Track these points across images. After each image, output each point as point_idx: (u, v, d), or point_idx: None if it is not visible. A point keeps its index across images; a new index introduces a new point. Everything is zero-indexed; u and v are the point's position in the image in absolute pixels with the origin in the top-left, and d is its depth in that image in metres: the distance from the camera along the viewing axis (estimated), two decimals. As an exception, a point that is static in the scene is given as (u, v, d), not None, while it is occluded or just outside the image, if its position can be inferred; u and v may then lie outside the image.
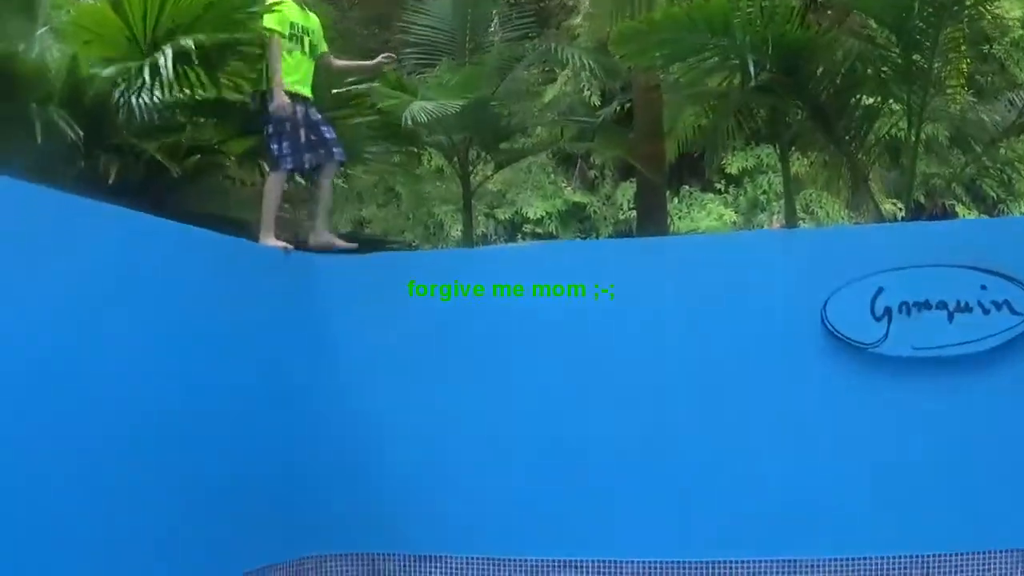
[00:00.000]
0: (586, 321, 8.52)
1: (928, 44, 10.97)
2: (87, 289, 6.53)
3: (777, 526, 8.08)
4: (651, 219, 15.28)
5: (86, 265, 6.53)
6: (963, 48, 12.34)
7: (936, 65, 11.30)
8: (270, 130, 9.22)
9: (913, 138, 11.89)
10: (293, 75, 9.28)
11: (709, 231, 21.35)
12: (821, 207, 22.18)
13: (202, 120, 10.53)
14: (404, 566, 8.68)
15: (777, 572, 8.07)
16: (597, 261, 8.98)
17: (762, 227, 21.86)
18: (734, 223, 22.41)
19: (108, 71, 9.07)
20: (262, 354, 8.24)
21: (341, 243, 9.74)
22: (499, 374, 8.65)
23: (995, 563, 7.82)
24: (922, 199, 20.29)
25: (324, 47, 9.89)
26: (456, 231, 21.90)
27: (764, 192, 22.82)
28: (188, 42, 8.95)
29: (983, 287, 7.88)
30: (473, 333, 8.73)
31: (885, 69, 11.59)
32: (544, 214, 23.20)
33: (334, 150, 9.52)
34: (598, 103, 20.69)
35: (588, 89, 21.41)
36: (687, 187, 23.30)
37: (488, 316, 8.67)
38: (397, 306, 8.79)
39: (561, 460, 8.45)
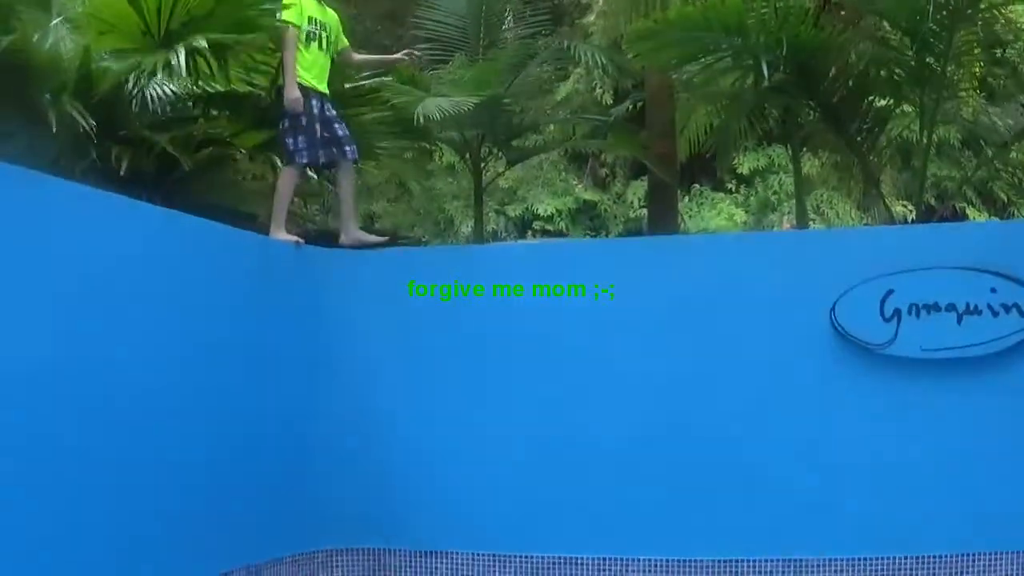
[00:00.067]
0: (593, 320, 8.51)
1: (941, 47, 10.97)
2: (93, 280, 6.50)
3: (783, 526, 8.07)
4: (662, 218, 15.30)
5: (94, 256, 6.52)
6: (976, 51, 12.35)
7: (949, 68, 11.31)
8: (286, 124, 9.18)
9: (925, 140, 11.90)
10: (310, 70, 9.24)
11: (719, 230, 21.37)
12: (832, 208, 22.22)
13: (215, 113, 10.54)
14: (409, 561, 8.68)
15: (782, 571, 8.06)
16: (604, 260, 8.96)
17: (773, 227, 21.86)
18: (744, 223, 22.43)
19: (121, 65, 9.10)
20: (270, 348, 8.24)
21: (373, 238, 9.75)
22: (505, 371, 8.64)
23: (1002, 565, 7.81)
24: (933, 201, 20.27)
25: (344, 42, 9.85)
26: (466, 227, 21.95)
27: (775, 192, 22.83)
28: (202, 42, 8.98)
29: (993, 290, 7.87)
30: (480, 329, 8.71)
31: (898, 71, 11.60)
32: (555, 211, 23.25)
33: (347, 148, 9.49)
34: (610, 101, 20.72)
35: (601, 87, 21.45)
36: (698, 186, 23.34)
37: (495, 312, 8.65)
38: (406, 301, 8.79)
39: (566, 458, 8.44)
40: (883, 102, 12.28)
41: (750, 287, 8.33)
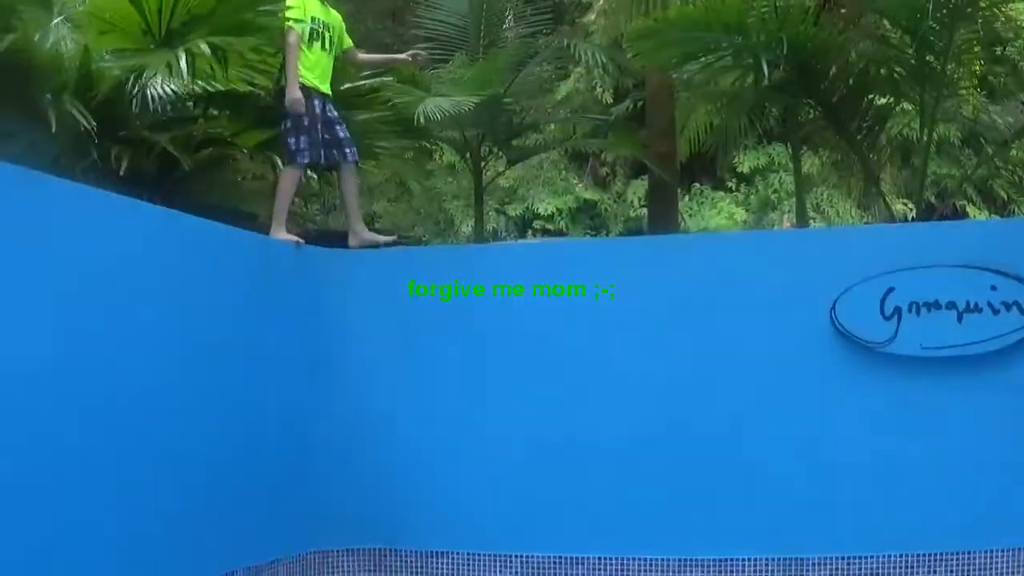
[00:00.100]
0: (594, 319, 8.51)
1: (941, 45, 10.98)
2: (94, 280, 6.49)
3: (783, 525, 8.07)
4: (662, 217, 15.30)
5: (94, 255, 6.51)
6: (976, 49, 12.35)
7: (949, 66, 11.32)
8: (287, 124, 9.15)
9: (925, 138, 11.92)
10: (312, 70, 9.21)
11: (720, 229, 21.37)
12: (832, 206, 22.22)
13: (215, 112, 10.54)
14: (410, 561, 8.68)
15: (783, 570, 8.07)
16: (604, 260, 8.95)
17: (773, 226, 21.86)
18: (745, 222, 22.44)
19: (122, 67, 9.10)
20: (271, 348, 8.24)
21: (381, 238, 9.76)
22: (505, 371, 8.64)
23: (1002, 563, 7.82)
24: (933, 199, 20.28)
25: (348, 42, 9.83)
26: (467, 227, 21.95)
27: (775, 191, 22.84)
28: (202, 46, 8.99)
29: (993, 288, 7.87)
30: (480, 330, 8.71)
31: (898, 69, 11.61)
32: (555, 211, 23.25)
33: (347, 151, 9.48)
34: (611, 100, 20.73)
35: (601, 86, 21.45)
36: (698, 185, 23.34)
37: (495, 312, 8.65)
38: (406, 301, 8.80)
39: (566, 457, 8.44)
40: (883, 100, 12.29)
41: (750, 286, 8.33)
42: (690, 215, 22.37)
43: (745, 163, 22.50)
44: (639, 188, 22.53)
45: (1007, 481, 7.86)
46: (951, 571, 7.86)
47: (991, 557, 7.83)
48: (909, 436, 7.98)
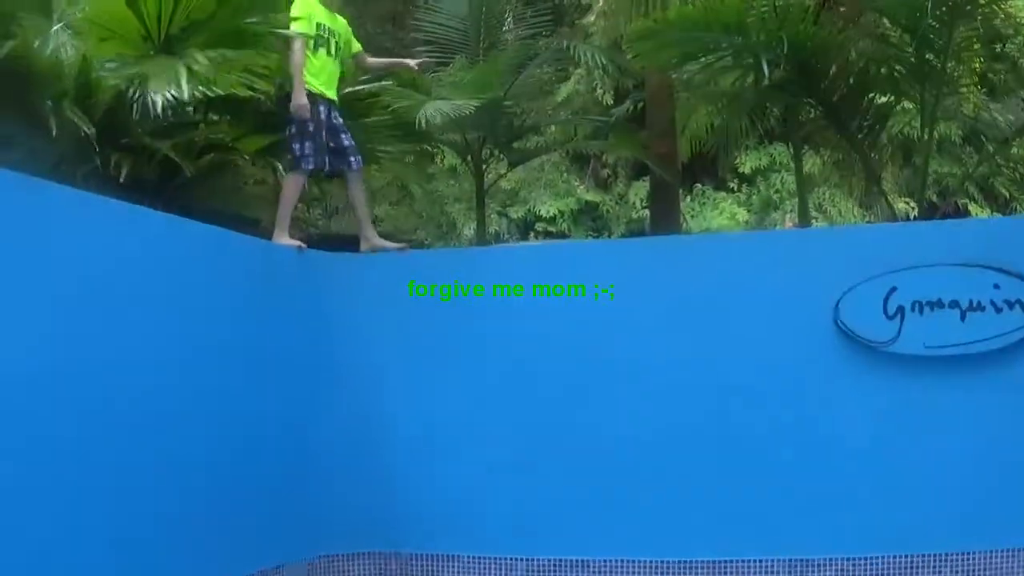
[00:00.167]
0: (596, 321, 8.51)
1: (941, 43, 10.98)
2: (96, 286, 6.49)
3: (787, 525, 8.07)
4: (664, 218, 15.30)
5: (96, 262, 6.51)
6: (976, 47, 12.35)
7: (949, 64, 11.32)
8: (292, 130, 9.15)
9: (926, 137, 11.92)
10: (318, 76, 9.22)
11: (722, 230, 21.36)
12: (834, 206, 22.21)
13: (215, 118, 10.53)
14: (415, 565, 8.68)
15: (786, 571, 8.06)
16: (606, 261, 8.96)
17: (775, 226, 21.85)
18: (747, 222, 22.42)
19: (122, 76, 9.10)
20: (274, 352, 8.24)
21: (392, 245, 9.75)
22: (508, 373, 8.65)
23: (1007, 562, 7.81)
24: (935, 198, 20.27)
25: (356, 47, 9.86)
26: (468, 229, 21.94)
27: (777, 191, 22.82)
28: (200, 58, 8.99)
29: (996, 286, 7.87)
30: (483, 332, 8.72)
31: (898, 68, 11.61)
32: (557, 213, 23.23)
33: (351, 159, 9.49)
34: (611, 102, 20.68)
35: (601, 88, 21.41)
36: (700, 186, 23.32)
37: (498, 315, 8.66)
38: (409, 304, 8.80)
39: (569, 460, 8.44)
40: (884, 99, 12.28)
41: (753, 286, 8.34)
42: (692, 216, 22.36)
43: (746, 163, 22.49)
44: (641, 189, 22.50)
45: (1012, 481, 7.85)
46: (955, 571, 7.85)
47: (996, 557, 7.82)
48: (913, 436, 7.98)
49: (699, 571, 8.19)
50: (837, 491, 8.02)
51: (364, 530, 8.66)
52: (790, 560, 8.05)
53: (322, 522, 8.51)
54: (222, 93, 9.91)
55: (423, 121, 11.34)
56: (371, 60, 10.35)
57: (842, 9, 12.94)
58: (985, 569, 7.83)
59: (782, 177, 22.56)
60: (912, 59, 11.30)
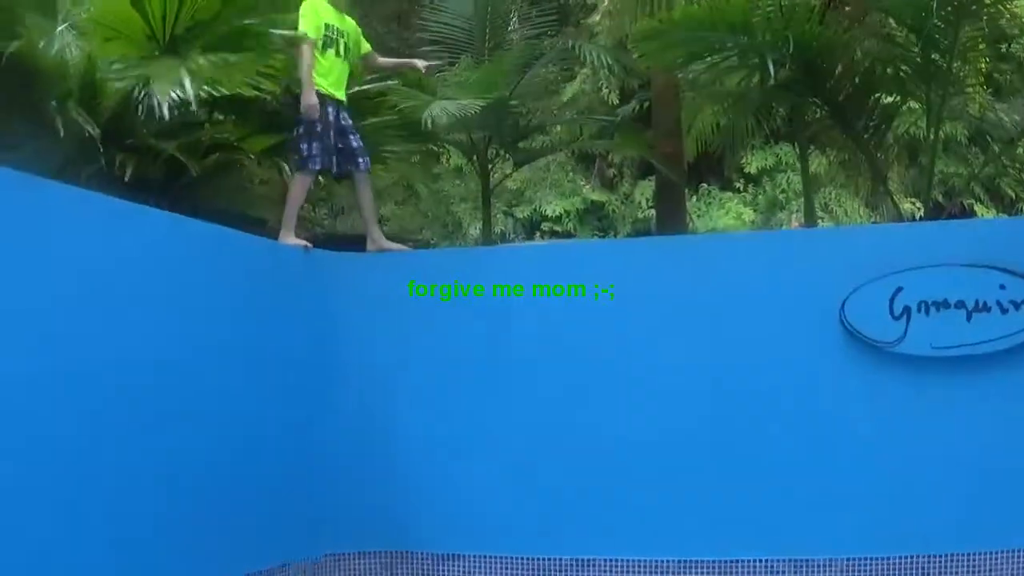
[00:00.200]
0: (601, 321, 8.51)
1: (947, 43, 10.98)
2: (101, 285, 6.49)
3: (792, 525, 8.05)
4: (670, 218, 15.28)
5: (101, 261, 6.51)
6: (982, 47, 12.35)
7: (955, 64, 11.31)
8: (300, 130, 9.14)
9: (932, 137, 11.90)
10: (326, 77, 9.19)
11: (728, 230, 21.35)
12: (840, 206, 22.21)
13: (221, 117, 10.54)
14: (421, 564, 8.68)
15: (790, 571, 8.05)
16: (611, 261, 8.95)
17: (781, 226, 21.85)
18: (753, 222, 22.41)
19: (128, 79, 9.11)
20: (280, 352, 8.25)
21: (396, 246, 9.75)
22: (515, 374, 8.64)
23: (1013, 563, 7.80)
24: (940, 198, 20.26)
25: (366, 47, 9.83)
26: (475, 229, 21.94)
27: (783, 191, 22.82)
28: (204, 61, 9.00)
29: (1002, 286, 7.85)
30: (489, 332, 8.72)
31: (904, 68, 11.59)
32: (562, 212, 23.25)
33: (360, 160, 9.47)
34: (617, 101, 20.70)
35: (607, 87, 21.44)
36: (706, 186, 23.33)
37: (505, 315, 8.66)
38: (415, 303, 8.80)
39: (576, 460, 8.43)
40: (889, 99, 12.28)
41: (758, 286, 8.32)
42: (698, 216, 22.36)
43: (752, 163, 22.49)
44: (646, 189, 22.50)
45: (1017, 481, 7.83)
46: (960, 572, 7.84)
47: (1000, 558, 7.81)
48: (918, 436, 7.96)
49: (703, 571, 8.18)
50: (841, 491, 8.01)
51: (370, 529, 8.66)
52: (793, 560, 8.03)
53: (327, 521, 8.52)
54: (227, 93, 9.92)
55: (429, 121, 11.33)
56: (381, 60, 10.35)
57: (847, 9, 12.95)
58: (989, 570, 7.82)
59: (788, 177, 22.56)
60: (918, 59, 11.29)
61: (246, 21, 9.58)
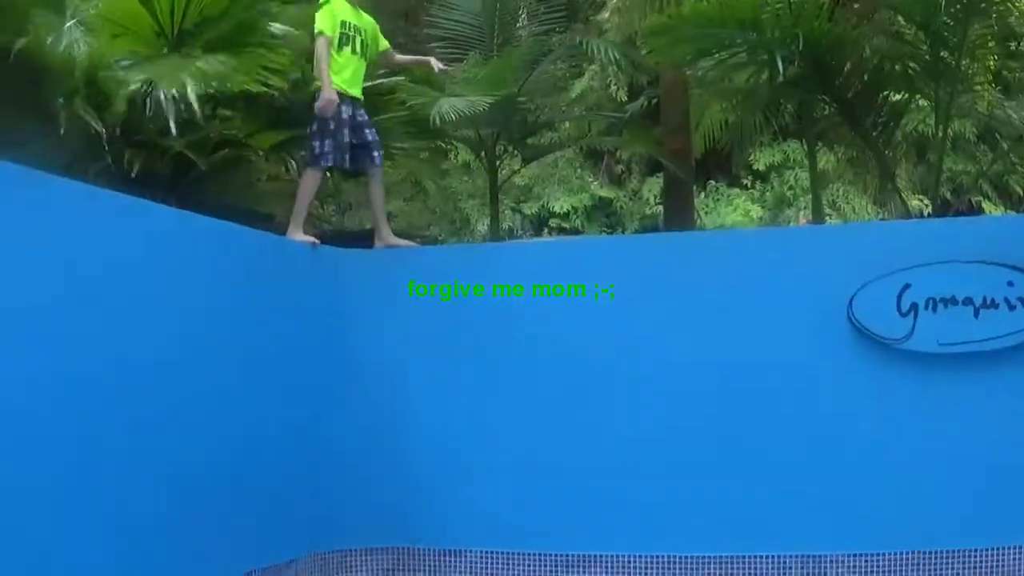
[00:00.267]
0: (608, 318, 8.50)
1: (955, 40, 10.96)
2: (108, 282, 6.49)
3: (800, 522, 8.05)
4: (678, 214, 15.29)
5: (108, 258, 6.51)
6: (990, 44, 12.32)
7: (963, 61, 11.30)
8: (314, 127, 9.12)
9: (940, 134, 11.88)
10: (341, 74, 9.16)
11: (736, 226, 21.35)
12: (848, 203, 22.18)
13: (228, 114, 10.53)
14: (426, 560, 8.68)
15: (799, 567, 8.04)
16: (620, 257, 8.95)
17: (789, 223, 21.83)
18: (761, 219, 22.41)
19: (137, 79, 9.12)
20: (287, 348, 8.25)
21: (404, 242, 9.78)
22: (522, 371, 8.64)
23: (1021, 559, 7.78)
24: (949, 195, 20.27)
25: (384, 44, 9.82)
26: (482, 226, 21.95)
27: (791, 188, 22.81)
28: (212, 60, 9.00)
29: (1010, 283, 7.85)
30: (498, 328, 8.71)
31: (913, 65, 11.58)
32: (570, 209, 23.25)
33: (375, 154, 9.47)
34: (625, 98, 20.68)
35: (615, 84, 21.44)
36: (714, 182, 23.32)
37: (513, 311, 8.65)
38: (422, 300, 8.79)
39: (582, 457, 8.42)
40: (898, 96, 12.27)
41: (766, 283, 8.32)
42: (706, 212, 22.35)
43: (761, 160, 22.48)
44: (655, 185, 22.53)
45: (1024, 477, 7.85)
46: (970, 568, 7.83)
47: (1008, 554, 7.80)
48: (927, 432, 7.95)
49: (713, 566, 8.18)
50: (848, 487, 8.00)
51: (374, 525, 8.66)
52: (800, 556, 8.03)
53: (335, 517, 8.52)
54: (235, 89, 9.92)
55: (437, 117, 11.34)
56: (399, 57, 10.36)
57: (856, 6, 12.94)
58: (1001, 566, 7.81)
59: (796, 174, 22.56)
60: (926, 56, 11.28)
61: (255, 16, 9.56)
